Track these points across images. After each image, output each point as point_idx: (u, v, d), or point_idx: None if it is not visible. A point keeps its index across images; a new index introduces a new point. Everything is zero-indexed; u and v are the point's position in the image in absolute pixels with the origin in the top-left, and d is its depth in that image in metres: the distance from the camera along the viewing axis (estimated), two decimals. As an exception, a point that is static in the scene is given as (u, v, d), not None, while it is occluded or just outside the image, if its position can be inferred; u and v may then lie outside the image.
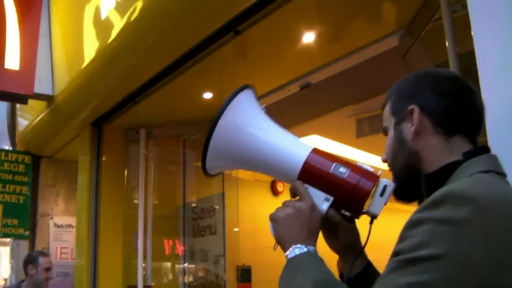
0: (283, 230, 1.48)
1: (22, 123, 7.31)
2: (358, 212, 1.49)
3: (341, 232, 1.59)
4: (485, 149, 1.39)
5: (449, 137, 1.40)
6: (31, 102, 5.95)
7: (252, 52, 4.67)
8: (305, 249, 1.42)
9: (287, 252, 1.45)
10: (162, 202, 6.43)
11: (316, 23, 4.27)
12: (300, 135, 6.20)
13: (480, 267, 1.07)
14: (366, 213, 1.48)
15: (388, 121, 1.51)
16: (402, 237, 1.17)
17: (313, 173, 1.51)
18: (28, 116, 6.99)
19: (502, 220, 1.12)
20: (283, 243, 1.48)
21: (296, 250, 1.42)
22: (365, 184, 1.45)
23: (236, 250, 6.23)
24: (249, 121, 1.61)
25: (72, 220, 7.34)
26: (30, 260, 5.74)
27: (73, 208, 7.34)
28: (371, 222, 1.51)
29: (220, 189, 6.20)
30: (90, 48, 5.07)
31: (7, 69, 5.55)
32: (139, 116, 5.82)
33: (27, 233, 7.43)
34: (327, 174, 1.49)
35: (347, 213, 1.50)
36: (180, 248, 6.41)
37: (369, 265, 1.62)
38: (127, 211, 6.09)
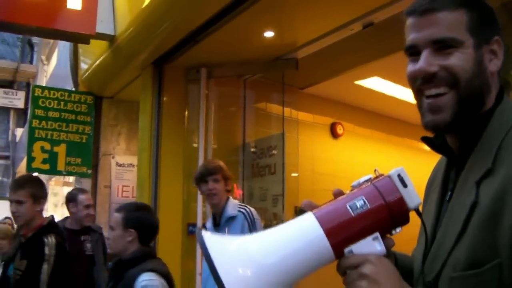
0: None
1: (84, 64, 7.42)
2: (406, 219, 1.25)
3: None
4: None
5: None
6: (92, 43, 6.02)
7: (314, -11, 4.59)
8: None
9: None
10: (222, 142, 6.46)
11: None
12: (361, 77, 6.12)
13: None
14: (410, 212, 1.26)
15: (461, 34, 1.31)
16: None
17: (340, 231, 1.21)
18: (90, 57, 7.09)
19: None
20: None
21: None
22: (389, 192, 1.22)
23: (295, 191, 6.24)
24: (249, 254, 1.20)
25: (133, 159, 7.49)
26: (70, 198, 5.78)
27: (134, 147, 7.48)
28: (419, 214, 1.28)
29: (279, 130, 6.19)
30: (151, -13, 5.07)
31: (69, 9, 5.62)
32: (200, 55, 5.82)
33: (89, 171, 7.65)
34: (352, 220, 1.21)
35: (398, 230, 1.26)
36: (238, 192, 6.45)
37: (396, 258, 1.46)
38: (187, 153, 6.16)
